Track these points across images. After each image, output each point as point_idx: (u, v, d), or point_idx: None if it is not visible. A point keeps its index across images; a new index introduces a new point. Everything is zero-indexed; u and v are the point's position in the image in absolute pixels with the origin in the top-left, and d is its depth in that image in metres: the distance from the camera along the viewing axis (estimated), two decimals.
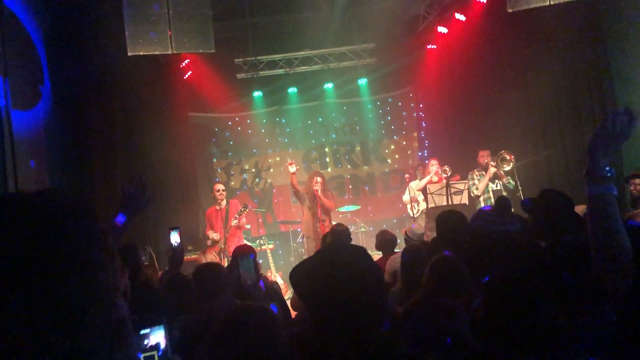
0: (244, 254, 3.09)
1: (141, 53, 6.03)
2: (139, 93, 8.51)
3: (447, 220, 3.65)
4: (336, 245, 1.78)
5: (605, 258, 1.80)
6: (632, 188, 5.90)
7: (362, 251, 1.58)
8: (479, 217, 2.42)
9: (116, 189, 8.02)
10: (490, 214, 2.35)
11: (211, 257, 5.81)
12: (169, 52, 6.07)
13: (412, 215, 8.53)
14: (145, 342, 1.77)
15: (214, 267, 3.67)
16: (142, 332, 1.79)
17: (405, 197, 8.92)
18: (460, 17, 9.02)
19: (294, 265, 1.66)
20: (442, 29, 9.68)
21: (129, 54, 5.99)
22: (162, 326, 1.79)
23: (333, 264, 1.51)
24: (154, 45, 5.99)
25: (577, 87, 7.84)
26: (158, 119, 9.26)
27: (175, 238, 4.13)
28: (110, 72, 7.37)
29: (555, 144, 8.23)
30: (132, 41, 5.95)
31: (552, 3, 6.30)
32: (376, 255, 5.47)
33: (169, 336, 1.78)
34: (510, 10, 6.41)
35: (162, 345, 1.79)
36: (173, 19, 5.95)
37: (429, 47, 10.49)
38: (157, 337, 1.79)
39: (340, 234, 5.08)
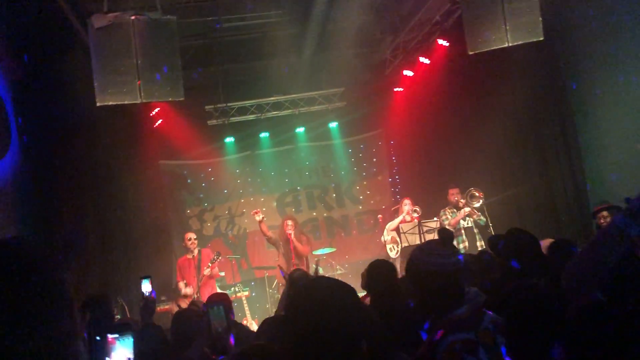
0: (214, 303, 3.04)
1: (110, 103, 6.02)
2: (109, 142, 8.48)
3: (376, 267, 3.67)
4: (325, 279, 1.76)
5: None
6: (601, 221, 6.01)
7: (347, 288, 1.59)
8: (423, 249, 2.39)
9: (87, 239, 7.89)
10: (436, 247, 2.34)
11: (184, 307, 5.70)
12: (138, 101, 6.07)
13: (391, 256, 8.55)
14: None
15: (192, 314, 3.62)
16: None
17: (384, 238, 8.94)
18: (425, 60, 9.32)
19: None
20: (407, 72, 9.98)
21: (98, 104, 5.97)
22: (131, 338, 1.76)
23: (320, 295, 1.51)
24: (123, 95, 5.99)
25: (541, 125, 8.08)
26: (129, 168, 9.21)
27: (146, 287, 4.06)
28: (79, 122, 7.33)
29: (522, 180, 8.42)
30: (101, 91, 5.94)
31: (510, 45, 6.55)
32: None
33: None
34: (471, 53, 6.64)
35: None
36: (142, 69, 5.98)
37: (396, 89, 10.77)
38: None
39: (296, 281, 4.95)
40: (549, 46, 7.29)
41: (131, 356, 1.73)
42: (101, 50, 5.96)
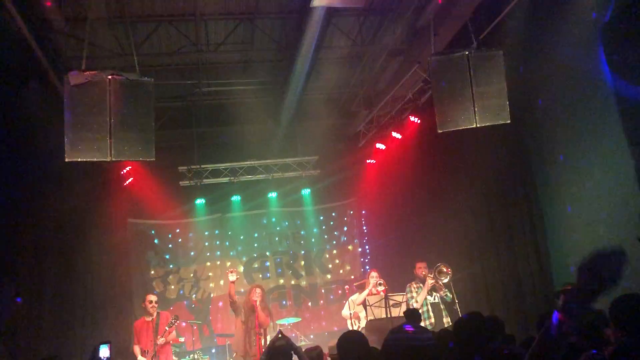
0: None
1: (79, 159, 5.97)
2: (76, 199, 8.35)
3: (347, 341, 3.61)
4: None
5: None
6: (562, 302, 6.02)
7: None
8: (396, 330, 2.44)
9: (44, 297, 7.60)
10: (400, 327, 2.40)
11: None
12: (108, 159, 6.03)
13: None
14: None
15: None
16: None
17: (345, 312, 8.78)
18: (397, 135, 9.57)
19: None
20: (380, 145, 10.20)
21: (67, 159, 5.91)
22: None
23: None
24: (93, 152, 5.95)
25: (508, 204, 8.21)
26: (96, 225, 9.06)
27: (104, 353, 3.92)
28: (46, 176, 7.26)
29: (490, 259, 8.46)
30: (71, 147, 5.89)
31: (478, 125, 6.76)
32: None
33: None
34: (440, 131, 6.83)
35: None
36: (115, 128, 5.98)
37: (368, 161, 10.97)
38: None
39: (277, 351, 4.73)
40: (516, 128, 7.55)
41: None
42: (75, 106, 5.97)
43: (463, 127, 6.76)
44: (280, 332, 5.31)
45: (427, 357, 2.27)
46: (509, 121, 6.70)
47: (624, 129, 5.99)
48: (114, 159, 6.09)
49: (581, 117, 6.85)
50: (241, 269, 11.25)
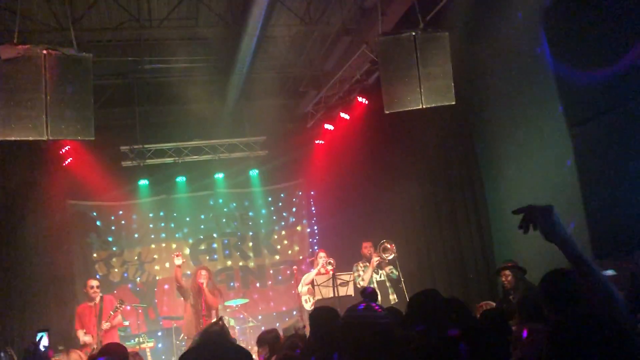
0: (98, 355, 2.87)
1: (13, 138, 5.66)
2: (11, 179, 7.96)
3: (319, 316, 3.64)
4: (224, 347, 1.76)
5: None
6: (502, 279, 6.23)
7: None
8: (354, 308, 2.49)
9: None
10: (358, 304, 2.47)
11: (75, 357, 5.29)
12: (44, 138, 5.73)
13: (306, 308, 8.43)
14: None
15: None
16: None
17: (301, 289, 8.82)
18: (345, 115, 9.58)
19: None
20: (328, 126, 10.20)
21: None
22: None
23: None
24: (28, 131, 5.64)
25: (452, 183, 8.42)
26: (32, 207, 8.66)
27: (43, 341, 3.76)
28: None
29: (434, 237, 8.68)
30: (3, 125, 5.56)
31: (424, 106, 6.84)
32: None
33: None
34: (387, 112, 6.87)
35: None
36: (51, 105, 5.68)
37: (317, 142, 10.95)
38: None
39: (210, 336, 4.66)
40: (461, 110, 7.71)
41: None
42: (7, 82, 5.62)
43: (410, 108, 6.83)
44: (220, 318, 5.26)
45: (381, 334, 2.31)
46: (454, 102, 6.80)
47: (564, 110, 6.21)
48: (50, 138, 5.80)
49: (523, 99, 7.06)
50: (187, 251, 11.06)
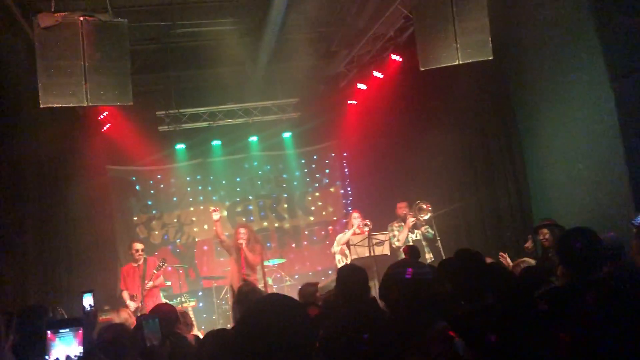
0: (149, 316, 2.98)
1: (54, 105, 5.80)
2: (53, 146, 8.19)
3: (348, 274, 3.70)
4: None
5: None
6: (540, 237, 6.19)
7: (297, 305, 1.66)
8: (399, 264, 2.53)
9: (26, 245, 7.57)
10: (404, 262, 2.49)
11: (125, 315, 5.53)
12: (84, 104, 5.86)
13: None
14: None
15: (117, 328, 3.51)
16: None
17: (335, 248, 8.93)
18: (378, 74, 9.45)
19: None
20: (361, 86, 10.09)
21: (42, 105, 5.73)
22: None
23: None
24: (68, 97, 5.77)
25: (488, 142, 8.30)
26: (74, 173, 8.92)
27: (88, 301, 3.92)
28: (21, 123, 7.07)
29: (470, 194, 8.61)
30: (45, 92, 5.71)
31: (460, 62, 6.70)
32: None
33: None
34: (422, 69, 6.76)
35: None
36: (89, 72, 5.78)
37: (349, 102, 10.87)
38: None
39: (246, 295, 4.86)
40: (497, 65, 7.52)
41: (71, 353, 1.69)
42: (47, 50, 5.75)
43: (445, 65, 6.71)
44: (244, 279, 5.46)
45: (425, 289, 2.35)
46: (491, 57, 6.64)
47: (605, 63, 5.99)
48: (90, 104, 5.94)
49: (562, 51, 6.83)
50: (225, 213, 11.28)
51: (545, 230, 6.04)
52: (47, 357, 1.71)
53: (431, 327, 2.28)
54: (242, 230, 7.75)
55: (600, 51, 6.07)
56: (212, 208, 7.98)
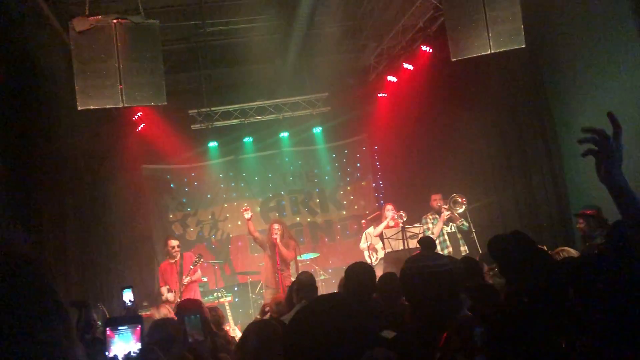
0: (190, 312, 3.05)
1: (91, 107, 5.96)
2: (90, 146, 8.39)
3: (355, 272, 3.72)
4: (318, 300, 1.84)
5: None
6: (578, 226, 6.10)
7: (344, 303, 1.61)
8: (414, 259, 2.48)
9: (66, 245, 7.78)
10: (420, 256, 2.43)
11: (165, 311, 5.63)
12: (120, 105, 6.01)
13: (370, 262, 8.53)
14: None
15: (167, 322, 3.59)
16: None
17: (362, 245, 8.95)
18: (408, 66, 9.38)
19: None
20: (391, 78, 10.02)
21: (79, 107, 5.91)
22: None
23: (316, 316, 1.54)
24: (105, 99, 5.93)
25: (523, 132, 8.16)
26: (110, 172, 9.13)
27: (128, 297, 4.01)
28: (59, 125, 7.26)
29: (505, 187, 8.49)
30: (82, 95, 5.88)
31: (492, 51, 6.61)
32: None
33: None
34: (454, 59, 6.69)
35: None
36: (124, 73, 5.93)
37: (380, 95, 10.81)
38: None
39: (305, 284, 4.90)
40: (530, 53, 7.38)
41: (131, 349, 1.75)
42: (82, 53, 5.91)
43: (477, 54, 6.62)
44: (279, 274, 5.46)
45: (443, 282, 2.30)
46: (524, 45, 6.53)
47: None
48: (126, 105, 6.08)
49: (597, 36, 6.65)
50: (258, 209, 11.38)
51: (581, 220, 5.94)
52: (106, 354, 1.77)
53: (453, 318, 2.26)
54: (276, 226, 7.82)
55: (636, 35, 5.90)
56: (243, 207, 8.07)
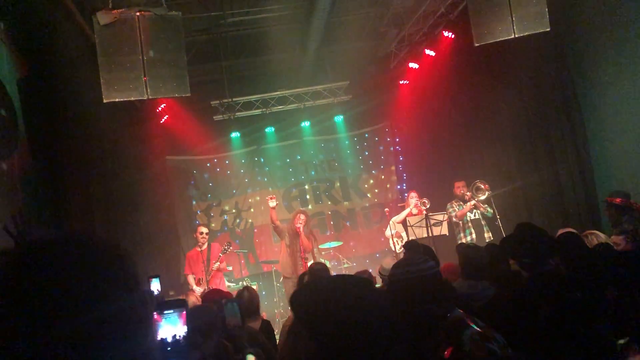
0: (228, 300, 3.10)
1: (117, 99, 6.04)
2: (116, 139, 8.50)
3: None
4: (343, 276, 1.81)
5: None
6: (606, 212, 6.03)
7: (367, 281, 1.62)
8: (398, 265, 2.49)
9: (95, 235, 7.91)
10: (402, 260, 2.43)
11: (193, 299, 5.73)
12: (145, 97, 6.08)
13: (394, 250, 8.53)
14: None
15: (204, 309, 3.65)
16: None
17: (388, 232, 8.95)
18: (430, 52, 9.29)
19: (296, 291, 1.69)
20: (413, 65, 9.94)
21: (105, 100, 5.99)
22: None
23: (341, 291, 1.52)
24: (129, 92, 6.00)
25: (547, 117, 8.04)
26: (136, 164, 9.24)
27: (155, 286, 4.09)
28: (85, 119, 7.35)
29: (530, 172, 8.38)
30: (108, 88, 5.96)
31: (516, 36, 6.51)
32: None
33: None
34: (477, 44, 6.61)
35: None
36: (148, 65, 5.99)
37: (401, 82, 10.73)
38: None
39: (318, 273, 4.96)
40: (555, 37, 7.25)
41: (178, 333, 1.80)
42: (107, 46, 5.98)
43: (501, 39, 6.53)
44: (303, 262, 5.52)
45: (429, 285, 2.30)
46: (548, 29, 6.42)
47: None
48: (150, 97, 6.15)
49: (622, 18, 6.51)
50: (280, 198, 11.45)
51: (605, 206, 5.91)
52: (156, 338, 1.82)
53: (445, 319, 2.24)
54: (302, 217, 7.85)
55: None
56: (270, 196, 8.12)
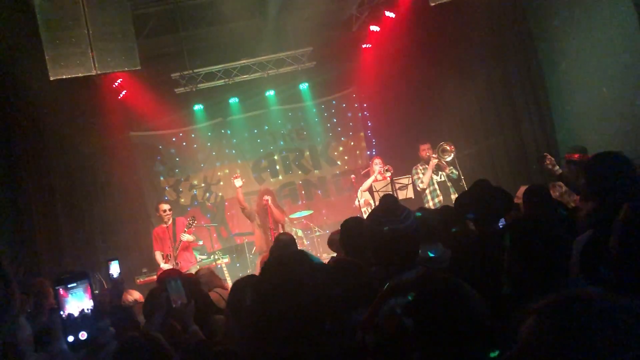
0: (171, 277, 3.05)
1: (64, 76, 5.84)
2: (72, 118, 8.26)
3: (348, 227, 3.71)
4: (274, 259, 1.79)
5: None
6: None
7: (300, 256, 1.65)
8: (369, 218, 2.42)
9: (58, 217, 7.76)
10: (379, 214, 2.35)
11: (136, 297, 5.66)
12: (93, 73, 5.90)
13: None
14: None
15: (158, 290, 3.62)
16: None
17: (357, 203, 8.94)
18: (390, 14, 9.14)
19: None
20: (374, 28, 9.79)
21: (51, 77, 5.79)
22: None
23: (269, 275, 1.60)
24: (77, 68, 5.81)
25: (509, 76, 7.99)
26: (97, 142, 9.03)
27: (114, 269, 4.04)
28: (37, 99, 7.11)
29: (494, 134, 8.39)
30: (53, 65, 5.75)
31: None
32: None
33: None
34: (432, 4, 6.49)
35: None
36: (94, 39, 5.78)
37: (364, 46, 10.59)
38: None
39: (284, 243, 4.94)
40: None
41: (85, 307, 1.76)
42: (49, 21, 5.75)
43: None
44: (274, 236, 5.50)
45: (399, 244, 2.23)
46: None
47: None
48: (99, 72, 5.96)
49: None
50: (250, 170, 11.35)
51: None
52: (61, 313, 1.78)
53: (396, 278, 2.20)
54: (266, 197, 7.85)
55: None
56: (235, 175, 8.04)
